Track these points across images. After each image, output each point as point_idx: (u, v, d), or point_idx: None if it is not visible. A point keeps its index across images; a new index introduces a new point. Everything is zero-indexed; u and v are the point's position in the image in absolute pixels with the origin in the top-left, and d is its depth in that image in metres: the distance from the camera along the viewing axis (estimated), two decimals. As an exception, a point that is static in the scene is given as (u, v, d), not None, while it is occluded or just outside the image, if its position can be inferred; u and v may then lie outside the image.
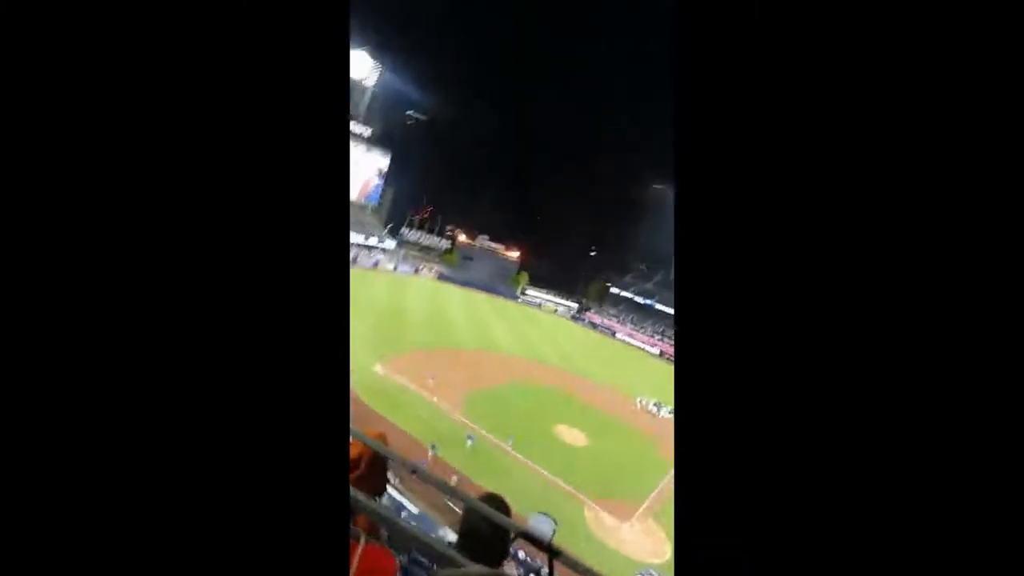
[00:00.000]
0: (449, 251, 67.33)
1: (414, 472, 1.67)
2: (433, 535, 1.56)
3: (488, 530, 1.35)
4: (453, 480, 15.75)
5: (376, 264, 57.15)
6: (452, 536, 1.48)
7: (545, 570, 1.27)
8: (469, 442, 19.89)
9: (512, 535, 1.31)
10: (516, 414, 24.45)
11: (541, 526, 1.30)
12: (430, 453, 17.76)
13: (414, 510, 13.50)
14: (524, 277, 68.06)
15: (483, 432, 21.42)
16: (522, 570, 12.73)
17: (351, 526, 1.11)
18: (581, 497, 19.17)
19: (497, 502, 1.44)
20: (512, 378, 29.46)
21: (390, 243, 61.87)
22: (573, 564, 1.26)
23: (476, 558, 1.08)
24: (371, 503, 1.22)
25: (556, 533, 1.31)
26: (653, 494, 21.08)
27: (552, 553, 1.26)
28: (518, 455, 20.55)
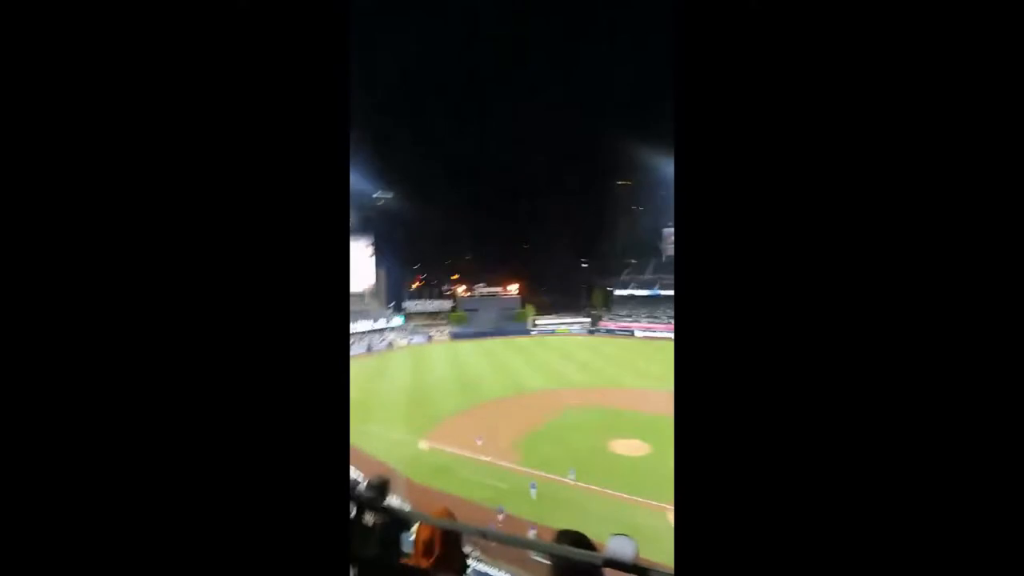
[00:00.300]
0: (453, 309, 67.59)
1: (484, 536, 1.62)
2: None
3: (577, 568, 1.32)
4: (532, 533, 15.30)
5: (391, 344, 57.24)
6: None
7: None
8: (532, 491, 19.39)
9: (599, 566, 1.28)
10: (569, 446, 23.95)
11: (622, 549, 1.27)
12: (500, 516, 17.32)
13: (504, 575, 13.08)
14: (530, 309, 68.04)
15: (544, 475, 20.96)
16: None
17: None
18: (659, 504, 18.59)
19: (574, 537, 1.41)
20: (553, 412, 28.99)
21: (397, 320, 62.27)
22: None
23: None
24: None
25: (638, 551, 1.26)
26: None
27: (640, 572, 1.21)
28: (589, 485, 20.04)
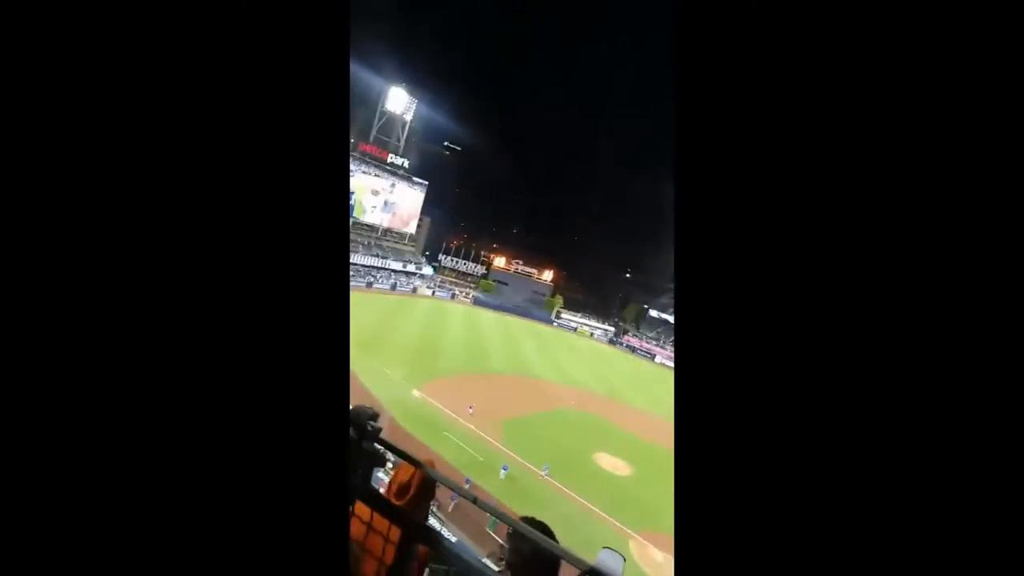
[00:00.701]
0: (484, 277, 67.92)
1: (464, 496, 1.64)
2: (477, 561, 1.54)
3: (537, 557, 1.35)
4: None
5: (415, 290, 58.29)
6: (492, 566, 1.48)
7: None
8: (503, 472, 19.45)
9: (580, 574, 1.28)
10: (554, 442, 23.88)
11: (610, 563, 1.25)
12: (466, 485, 17.53)
13: (453, 538, 13.22)
14: (558, 300, 67.66)
15: (520, 460, 20.98)
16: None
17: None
18: (622, 528, 18.33)
19: (540, 526, 1.42)
20: (550, 405, 28.91)
21: (427, 270, 63.16)
22: None
23: None
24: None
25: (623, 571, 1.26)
26: (702, 527, 19.85)
27: None
28: (557, 483, 19.96)
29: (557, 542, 1.36)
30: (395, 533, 1.38)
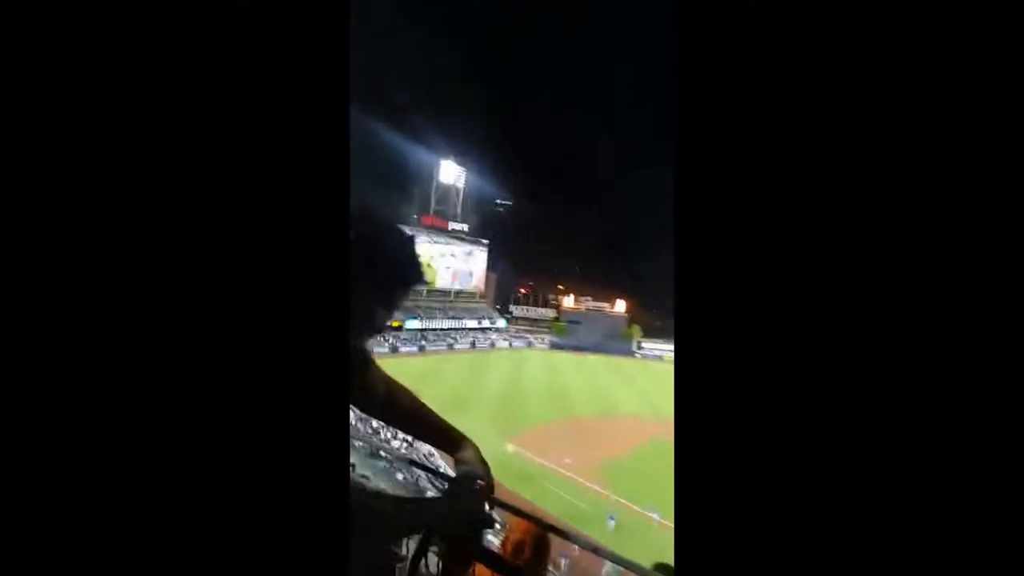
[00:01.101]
0: (556, 319, 67.77)
1: (579, 545, 1.53)
2: None
3: None
4: (605, 567, 14.67)
5: (492, 344, 59.24)
6: None
7: None
8: (611, 523, 18.52)
9: None
10: (658, 478, 22.61)
11: None
12: (577, 549, 16.89)
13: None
14: (636, 330, 65.52)
15: (627, 504, 20.01)
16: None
17: None
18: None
19: (668, 570, 1.31)
20: (646, 440, 27.57)
21: (501, 322, 64.33)
22: None
23: None
24: None
25: None
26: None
27: None
28: (670, 523, 18.71)
29: None
30: None
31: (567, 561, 15.17)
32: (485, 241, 66.53)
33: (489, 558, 1.35)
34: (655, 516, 19.19)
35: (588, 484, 21.83)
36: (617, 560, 1.61)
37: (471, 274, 64.90)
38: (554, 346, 61.84)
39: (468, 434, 1.32)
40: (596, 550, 1.57)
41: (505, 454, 23.98)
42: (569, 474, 22.63)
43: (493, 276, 69.95)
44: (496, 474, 1.27)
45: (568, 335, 63.91)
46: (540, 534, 1.53)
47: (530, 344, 62.19)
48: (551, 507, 19.02)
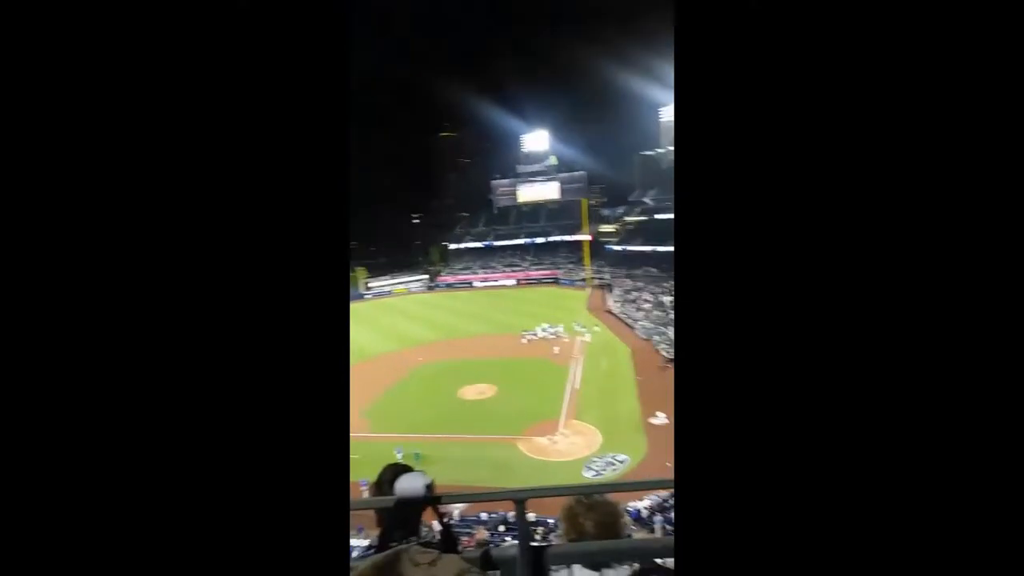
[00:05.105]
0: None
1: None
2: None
3: (401, 507, 1.23)
4: (363, 489, 15.14)
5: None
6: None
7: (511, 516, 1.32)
8: (399, 455, 19.22)
9: (394, 509, 1.22)
10: (420, 403, 24.27)
11: (411, 485, 1.23)
12: (363, 488, 16.92)
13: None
14: (361, 272, 64.83)
15: (399, 436, 20.95)
16: (490, 523, 13.31)
17: None
18: (509, 437, 20.29)
19: (391, 473, 1.36)
20: (399, 374, 28.79)
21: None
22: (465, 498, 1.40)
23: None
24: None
25: (432, 484, 1.26)
26: (565, 401, 23.19)
27: (435, 502, 1.23)
28: (445, 435, 20.67)
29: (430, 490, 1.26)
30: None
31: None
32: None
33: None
34: (427, 435, 20.76)
35: (359, 435, 21.73)
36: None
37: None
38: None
39: None
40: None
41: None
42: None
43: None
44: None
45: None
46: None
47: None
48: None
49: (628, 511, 12.47)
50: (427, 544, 1.19)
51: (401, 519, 1.19)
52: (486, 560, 1.31)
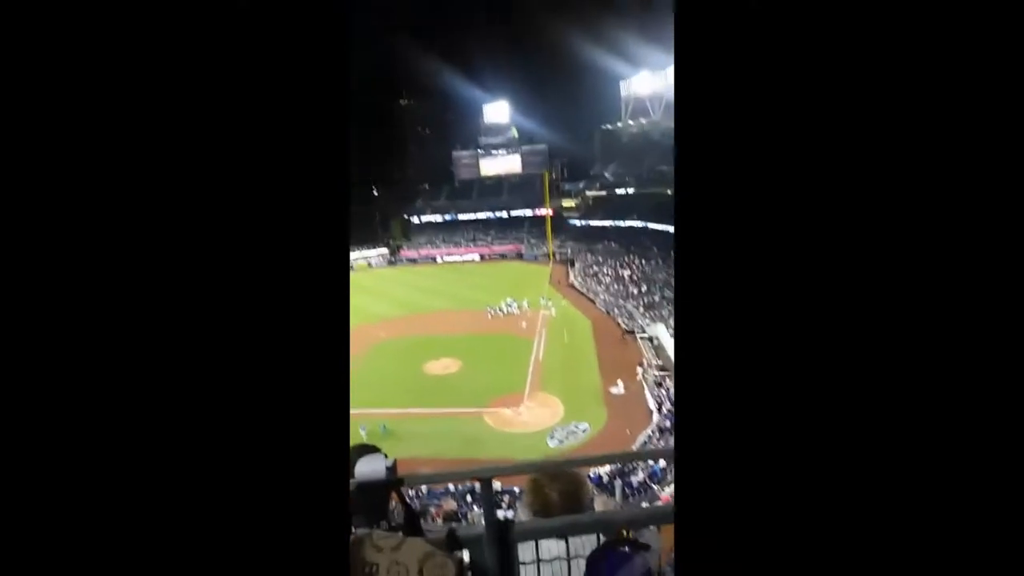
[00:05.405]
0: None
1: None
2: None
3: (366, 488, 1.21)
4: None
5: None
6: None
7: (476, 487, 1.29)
8: (363, 432, 19.09)
9: (354, 487, 1.18)
10: (384, 379, 24.10)
11: (371, 468, 1.20)
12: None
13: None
14: (322, 248, 62.67)
15: (364, 411, 20.82)
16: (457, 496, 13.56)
17: None
18: (475, 410, 20.55)
19: (353, 455, 1.29)
20: (361, 350, 28.42)
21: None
22: (431, 478, 1.39)
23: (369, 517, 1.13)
24: None
25: (393, 465, 1.23)
26: (529, 374, 23.59)
27: (397, 485, 1.23)
28: (411, 409, 20.70)
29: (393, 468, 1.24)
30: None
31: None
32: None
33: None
34: (394, 410, 20.74)
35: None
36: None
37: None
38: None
39: None
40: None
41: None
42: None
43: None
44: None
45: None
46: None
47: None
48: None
49: (590, 476, 13.00)
50: (390, 528, 1.19)
51: (365, 505, 1.16)
52: (452, 540, 1.32)
